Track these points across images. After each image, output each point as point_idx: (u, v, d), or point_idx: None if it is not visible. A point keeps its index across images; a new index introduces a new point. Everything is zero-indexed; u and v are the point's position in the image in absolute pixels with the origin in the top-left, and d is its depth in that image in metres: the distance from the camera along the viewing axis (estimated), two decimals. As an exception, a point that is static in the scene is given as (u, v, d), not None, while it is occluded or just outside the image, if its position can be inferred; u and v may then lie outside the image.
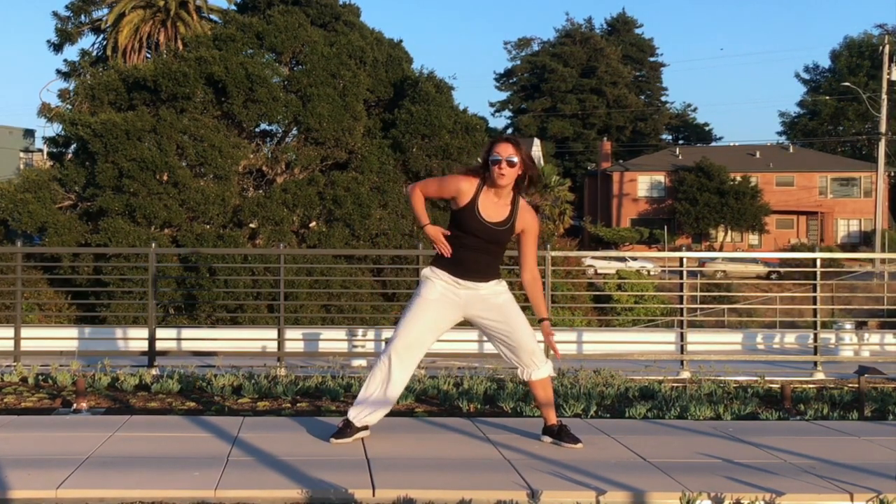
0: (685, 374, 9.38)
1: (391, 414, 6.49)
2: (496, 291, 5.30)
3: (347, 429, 5.29)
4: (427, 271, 5.31)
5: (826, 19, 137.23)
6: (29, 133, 66.32)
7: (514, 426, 5.90)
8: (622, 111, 78.53)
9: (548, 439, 5.42)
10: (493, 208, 5.18)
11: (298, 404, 7.06)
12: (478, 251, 5.21)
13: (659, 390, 7.78)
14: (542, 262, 9.99)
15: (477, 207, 5.16)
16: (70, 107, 28.90)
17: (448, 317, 5.30)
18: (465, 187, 5.16)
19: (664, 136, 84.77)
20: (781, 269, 44.07)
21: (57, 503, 4.21)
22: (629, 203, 65.07)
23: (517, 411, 6.83)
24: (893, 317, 23.01)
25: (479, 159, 5.32)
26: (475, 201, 5.16)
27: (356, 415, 5.30)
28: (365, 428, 5.34)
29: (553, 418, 5.44)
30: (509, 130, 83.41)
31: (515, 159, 5.12)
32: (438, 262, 5.29)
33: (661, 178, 64.57)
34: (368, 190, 24.91)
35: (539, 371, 5.37)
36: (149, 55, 38.25)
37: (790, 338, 13.40)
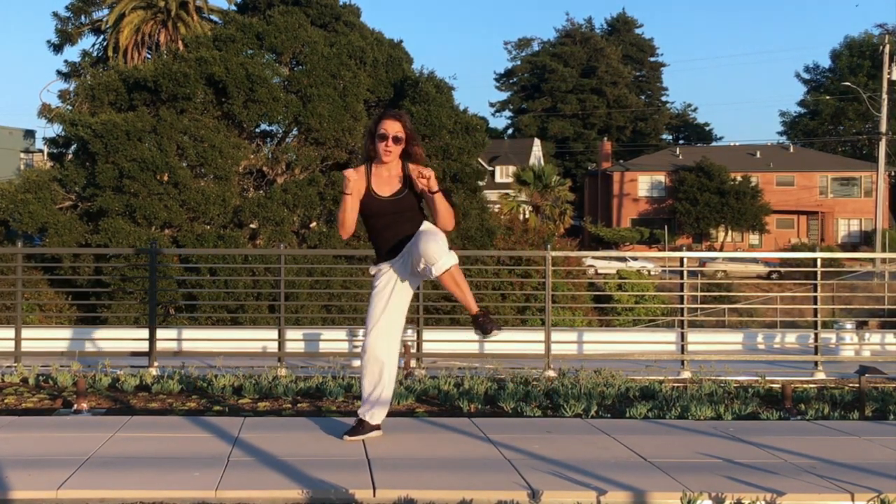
0: (686, 374, 9.38)
1: (392, 414, 6.49)
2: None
3: (360, 427, 5.42)
4: (372, 269, 5.51)
5: (826, 19, 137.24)
6: (29, 134, 66.30)
7: (514, 426, 5.90)
8: (622, 111, 78.56)
9: (477, 333, 5.34)
10: (386, 183, 5.34)
11: (299, 405, 7.06)
12: (394, 226, 5.34)
13: (659, 390, 7.78)
14: (543, 262, 9.98)
15: (371, 188, 5.33)
16: (70, 107, 28.93)
17: (407, 290, 5.45)
18: (354, 178, 5.28)
19: (664, 136, 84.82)
20: (782, 269, 44.07)
21: (58, 504, 4.22)
22: (629, 203, 65.08)
23: (518, 411, 6.83)
24: (894, 316, 23.01)
25: (365, 134, 5.49)
26: (369, 184, 5.34)
27: (364, 412, 5.43)
28: (377, 427, 5.46)
29: (474, 309, 5.32)
30: (510, 130, 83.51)
31: (401, 136, 5.31)
32: (376, 255, 5.49)
33: (661, 177, 64.58)
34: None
35: (440, 263, 5.13)
36: (149, 56, 38.24)
37: (791, 338, 13.40)
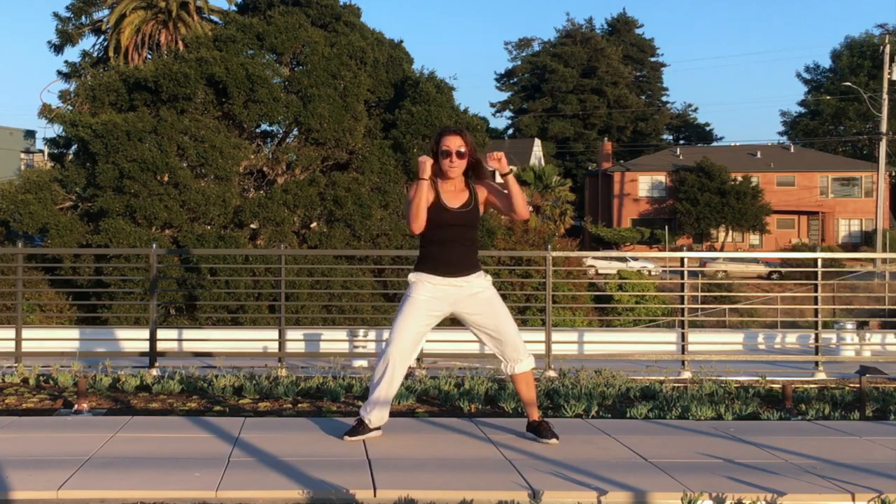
0: (686, 375, 9.37)
1: (392, 414, 6.48)
2: (481, 287, 5.44)
3: (360, 427, 5.43)
4: (412, 276, 5.45)
5: (827, 19, 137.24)
6: (30, 134, 66.32)
7: (515, 426, 5.90)
8: (623, 111, 78.55)
9: (531, 436, 5.54)
10: (453, 196, 5.38)
11: (299, 405, 7.06)
12: (453, 242, 5.35)
13: (660, 390, 7.78)
14: (543, 262, 9.98)
15: (441, 200, 5.35)
16: (71, 108, 28.91)
17: (437, 313, 5.44)
18: (430, 163, 5.34)
19: (665, 137, 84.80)
20: (782, 269, 44.06)
21: (58, 504, 4.21)
22: (630, 203, 65.07)
23: (518, 412, 6.82)
24: (894, 316, 22.99)
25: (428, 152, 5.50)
26: (438, 195, 5.36)
27: (367, 414, 5.44)
28: (377, 429, 5.47)
29: (535, 415, 5.55)
30: (510, 131, 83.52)
31: (464, 150, 5.33)
32: (421, 265, 5.43)
33: (661, 178, 64.57)
34: (369, 190, 24.92)
35: (521, 364, 5.46)
36: (149, 56, 38.22)
37: (791, 338, 13.39)
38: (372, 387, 5.44)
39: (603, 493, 4.33)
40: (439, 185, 5.38)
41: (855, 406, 7.23)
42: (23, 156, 61.83)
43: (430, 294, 5.36)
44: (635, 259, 40.64)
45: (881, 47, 52.21)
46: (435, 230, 5.35)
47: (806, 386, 8.58)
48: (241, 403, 7.08)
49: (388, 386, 5.37)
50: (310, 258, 21.45)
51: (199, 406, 6.98)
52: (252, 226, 24.89)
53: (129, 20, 38.50)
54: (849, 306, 15.46)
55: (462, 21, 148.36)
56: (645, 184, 65.22)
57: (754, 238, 62.36)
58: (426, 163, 5.31)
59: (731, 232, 61.41)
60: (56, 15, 38.67)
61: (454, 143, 5.31)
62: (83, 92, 26.39)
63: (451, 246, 5.35)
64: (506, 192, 5.32)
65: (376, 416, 5.43)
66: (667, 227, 59.16)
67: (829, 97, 74.44)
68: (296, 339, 10.87)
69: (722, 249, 58.80)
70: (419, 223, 5.32)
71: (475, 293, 5.39)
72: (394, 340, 5.33)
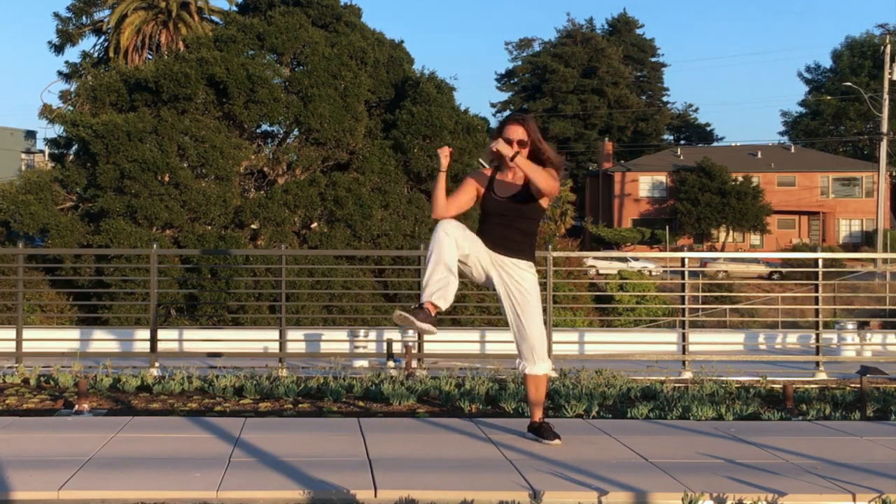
0: (687, 375, 9.37)
1: (393, 414, 6.49)
2: (524, 274, 5.33)
3: (419, 310, 4.99)
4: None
5: (827, 19, 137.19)
6: (30, 134, 66.32)
7: (515, 427, 5.90)
8: (623, 111, 78.54)
9: (531, 436, 5.53)
10: (506, 187, 5.37)
11: (300, 405, 7.06)
12: (503, 227, 5.33)
13: (661, 390, 7.78)
14: (544, 262, 9.99)
15: (493, 190, 5.38)
16: (71, 108, 28.93)
17: (478, 245, 5.25)
18: (480, 180, 5.41)
19: (665, 137, 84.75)
20: (783, 270, 44.06)
21: (59, 504, 4.21)
22: (630, 203, 65.05)
23: (519, 412, 6.82)
24: (895, 317, 22.99)
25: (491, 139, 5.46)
26: (491, 186, 5.39)
27: (426, 298, 5.04)
28: (431, 319, 5.03)
29: (537, 416, 5.53)
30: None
31: (525, 139, 5.30)
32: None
33: (662, 178, 64.55)
34: (370, 191, 24.92)
35: (534, 367, 5.40)
36: (150, 56, 38.24)
37: (792, 338, 13.39)
38: (426, 274, 5.09)
39: (604, 494, 4.33)
40: (497, 174, 5.40)
41: (856, 406, 7.23)
42: (23, 156, 61.86)
43: (478, 238, 5.29)
44: (636, 259, 40.63)
45: (882, 47, 52.20)
46: (484, 217, 5.40)
47: (807, 386, 8.57)
48: (241, 404, 7.08)
49: (437, 266, 5.04)
50: (310, 258, 21.46)
51: (200, 406, 6.98)
52: (252, 226, 24.90)
53: (129, 20, 38.52)
54: (849, 306, 15.46)
55: (462, 21, 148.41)
56: (645, 184, 65.20)
57: (755, 238, 62.33)
58: (441, 154, 5.34)
59: (731, 232, 61.40)
60: (56, 15, 38.71)
61: (516, 132, 5.28)
62: (84, 92, 26.41)
63: (498, 228, 5.33)
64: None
65: (438, 302, 5.03)
66: (667, 228, 59.15)
67: (829, 97, 74.40)
68: (296, 340, 10.88)
69: (722, 250, 58.79)
70: (437, 211, 5.34)
71: (515, 272, 5.30)
72: (442, 225, 5.11)
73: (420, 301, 5.08)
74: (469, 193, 5.43)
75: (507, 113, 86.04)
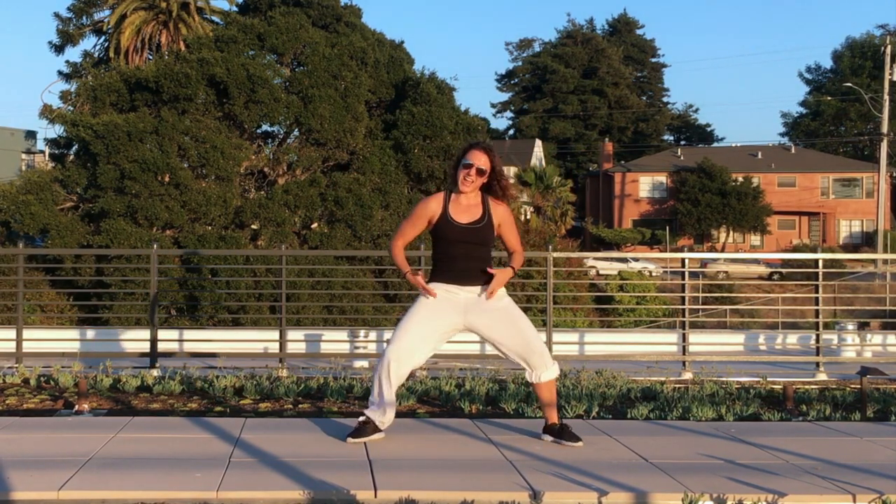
0: (687, 375, 9.37)
1: (393, 415, 6.46)
2: (497, 296, 5.36)
3: (363, 428, 5.37)
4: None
5: (828, 20, 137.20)
6: (31, 134, 66.30)
7: (515, 427, 5.90)
8: (624, 112, 78.55)
9: (549, 438, 5.48)
10: (464, 212, 5.32)
11: (300, 405, 7.06)
12: (466, 258, 5.30)
13: (661, 391, 7.78)
14: (544, 262, 9.98)
15: (449, 214, 5.30)
16: (72, 108, 28.90)
17: (448, 321, 5.33)
18: (433, 206, 5.34)
19: (666, 137, 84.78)
20: (783, 270, 44.05)
21: (59, 504, 4.21)
22: (631, 204, 65.06)
23: (519, 412, 6.82)
24: (895, 317, 22.98)
25: (453, 161, 5.49)
26: (446, 210, 5.31)
27: (372, 415, 5.39)
28: (379, 431, 5.41)
29: (555, 418, 5.50)
30: (511, 131, 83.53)
31: (485, 168, 5.29)
32: (435, 276, 5.39)
33: (662, 178, 64.56)
34: (370, 191, 24.93)
35: (548, 372, 5.39)
36: (150, 56, 38.23)
37: (792, 338, 13.39)
38: (371, 388, 5.43)
39: (604, 494, 4.33)
40: (452, 199, 5.33)
41: (856, 407, 7.23)
42: (24, 156, 61.85)
43: (441, 296, 5.30)
44: (636, 260, 40.64)
45: (882, 48, 52.22)
46: (442, 242, 5.34)
47: (807, 387, 8.57)
48: (241, 404, 7.08)
49: (386, 387, 5.30)
50: (311, 259, 21.46)
51: (200, 407, 6.98)
52: (253, 226, 24.91)
53: (129, 20, 38.50)
54: (850, 307, 15.45)
55: (462, 21, 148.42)
56: (646, 184, 65.21)
57: (755, 239, 62.34)
58: (417, 284, 5.36)
59: (731, 233, 61.40)
60: (57, 15, 38.67)
61: (479, 159, 5.28)
62: (84, 92, 26.40)
63: (462, 260, 5.30)
64: (512, 252, 5.49)
65: (378, 417, 5.38)
66: (668, 228, 59.15)
67: (829, 98, 74.40)
68: (296, 340, 10.87)
69: (723, 250, 58.81)
70: (400, 244, 5.48)
71: (489, 301, 5.30)
72: (393, 340, 5.30)
73: (364, 418, 5.42)
74: (420, 228, 5.44)
75: (507, 113, 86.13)
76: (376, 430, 5.38)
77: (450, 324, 5.34)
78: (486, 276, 5.32)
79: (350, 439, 5.34)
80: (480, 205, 5.34)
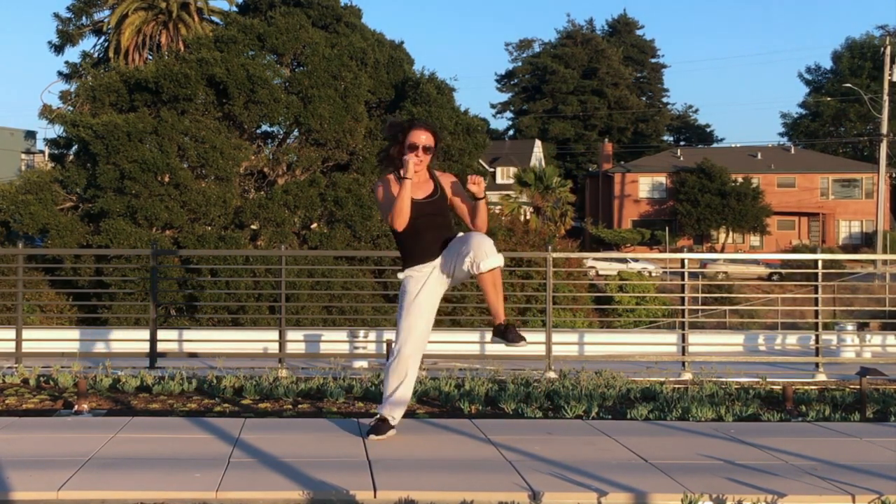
0: (687, 376, 9.37)
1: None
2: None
3: (384, 425, 5.44)
4: (401, 275, 5.48)
5: (828, 20, 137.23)
6: (30, 134, 66.32)
7: (515, 427, 5.90)
8: (623, 112, 78.58)
9: (497, 340, 5.44)
10: (418, 189, 5.41)
11: (300, 406, 7.06)
12: (431, 229, 5.39)
13: (660, 391, 7.77)
14: (544, 263, 9.98)
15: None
16: (71, 108, 28.93)
17: (438, 295, 5.48)
18: (395, 189, 5.39)
19: (665, 138, 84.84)
20: (783, 271, 44.07)
21: (58, 504, 4.21)
22: (630, 204, 65.08)
23: (518, 412, 6.82)
24: (895, 318, 22.99)
25: (389, 140, 5.54)
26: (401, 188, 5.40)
27: (389, 412, 5.47)
28: (393, 428, 5.50)
29: (502, 317, 5.41)
30: (510, 132, 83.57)
31: (431, 145, 5.41)
32: (406, 262, 5.47)
33: (662, 179, 64.59)
34: (370, 191, 24.93)
35: (489, 260, 5.17)
36: (150, 57, 38.23)
37: (792, 339, 13.39)
38: (387, 385, 5.44)
39: (603, 495, 4.33)
40: (402, 177, 5.38)
41: (855, 407, 7.23)
42: (23, 156, 61.87)
43: (422, 285, 5.40)
44: (636, 260, 40.67)
45: (882, 49, 52.24)
46: (408, 225, 5.38)
47: (806, 387, 8.57)
48: (241, 404, 7.08)
49: (408, 384, 5.43)
50: (310, 259, 21.46)
51: (200, 407, 6.97)
52: (252, 226, 24.91)
53: (129, 21, 38.50)
54: (849, 307, 15.45)
55: (462, 22, 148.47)
56: (645, 185, 65.24)
57: (755, 239, 62.37)
58: (411, 161, 5.32)
59: (731, 233, 61.43)
60: (56, 15, 38.68)
61: (422, 138, 5.36)
62: (84, 92, 26.41)
63: (429, 233, 5.38)
64: (473, 203, 5.42)
65: (398, 413, 5.49)
66: (667, 229, 59.17)
67: (829, 98, 74.46)
68: (296, 340, 10.87)
69: (722, 251, 58.83)
70: (403, 219, 5.33)
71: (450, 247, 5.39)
72: (406, 340, 5.35)
73: (382, 415, 5.48)
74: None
75: (507, 114, 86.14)
76: (391, 427, 5.47)
77: (439, 295, 5.49)
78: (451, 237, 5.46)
79: (372, 437, 5.38)
80: (430, 179, 5.48)
